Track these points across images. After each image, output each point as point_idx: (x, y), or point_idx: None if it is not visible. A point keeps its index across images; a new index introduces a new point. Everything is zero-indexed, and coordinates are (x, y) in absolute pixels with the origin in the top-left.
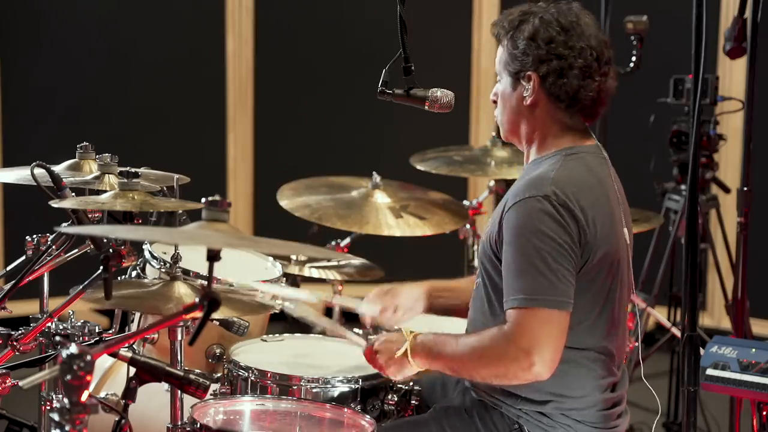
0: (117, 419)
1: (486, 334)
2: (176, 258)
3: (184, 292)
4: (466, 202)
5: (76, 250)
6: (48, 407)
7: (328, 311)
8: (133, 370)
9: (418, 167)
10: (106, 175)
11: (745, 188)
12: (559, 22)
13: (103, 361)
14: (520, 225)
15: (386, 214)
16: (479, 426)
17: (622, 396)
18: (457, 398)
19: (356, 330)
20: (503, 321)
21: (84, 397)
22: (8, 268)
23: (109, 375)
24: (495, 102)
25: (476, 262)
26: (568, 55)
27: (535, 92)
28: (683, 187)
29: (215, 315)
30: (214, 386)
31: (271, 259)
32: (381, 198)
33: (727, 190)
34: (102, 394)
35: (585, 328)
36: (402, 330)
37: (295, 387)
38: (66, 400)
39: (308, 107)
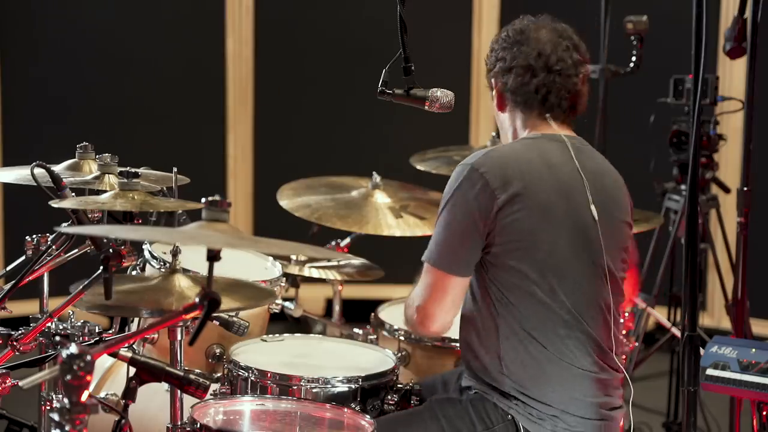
0: (117, 419)
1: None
2: (175, 251)
3: (185, 285)
4: None
5: (76, 250)
6: (48, 407)
7: (329, 310)
8: (133, 370)
9: (418, 167)
10: (106, 175)
11: (745, 188)
12: (512, 30)
13: (103, 361)
14: (446, 190)
15: (386, 214)
16: (473, 416)
17: (611, 386)
18: (454, 392)
19: (356, 330)
20: (480, 307)
21: (84, 397)
22: (8, 268)
23: (109, 375)
24: None
25: None
26: (506, 57)
27: (496, 94)
28: (683, 187)
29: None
30: (214, 386)
31: (271, 259)
32: (381, 198)
33: (727, 190)
34: (102, 394)
35: (534, 304)
36: None
37: (295, 387)
38: (66, 400)
39: (308, 107)
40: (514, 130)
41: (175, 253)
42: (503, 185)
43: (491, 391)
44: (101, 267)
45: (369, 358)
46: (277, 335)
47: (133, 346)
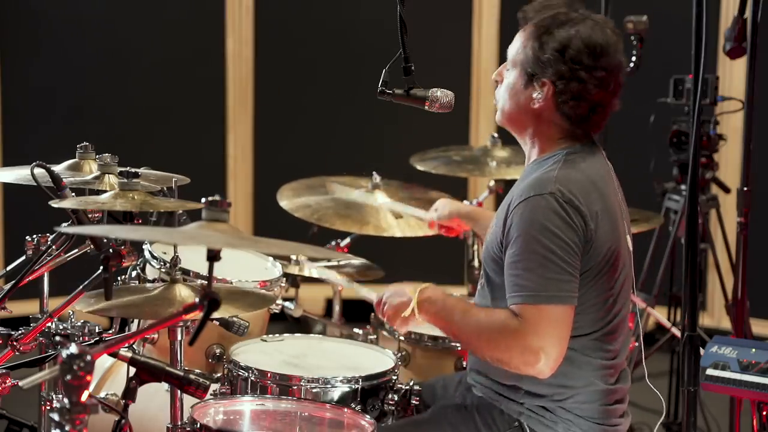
0: (117, 419)
1: (496, 317)
2: (175, 261)
3: (186, 294)
4: (466, 202)
5: (76, 250)
6: (48, 407)
7: (329, 310)
8: (133, 370)
9: (418, 167)
10: (106, 175)
11: (745, 188)
12: (592, 43)
13: (103, 361)
14: (526, 223)
15: (386, 214)
16: (479, 423)
17: (624, 394)
18: (458, 397)
19: (356, 330)
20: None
21: (84, 397)
22: (8, 268)
23: (109, 375)
24: (497, 82)
25: (476, 263)
26: (588, 81)
27: (546, 101)
28: (683, 187)
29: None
30: (214, 386)
31: (271, 259)
32: (381, 198)
33: (727, 190)
34: (102, 394)
35: (588, 319)
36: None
37: (295, 387)
38: (66, 400)
39: (308, 107)
40: (544, 133)
41: (175, 263)
42: (589, 214)
43: (499, 397)
44: (101, 267)
45: (369, 358)
46: (277, 335)
47: (133, 346)
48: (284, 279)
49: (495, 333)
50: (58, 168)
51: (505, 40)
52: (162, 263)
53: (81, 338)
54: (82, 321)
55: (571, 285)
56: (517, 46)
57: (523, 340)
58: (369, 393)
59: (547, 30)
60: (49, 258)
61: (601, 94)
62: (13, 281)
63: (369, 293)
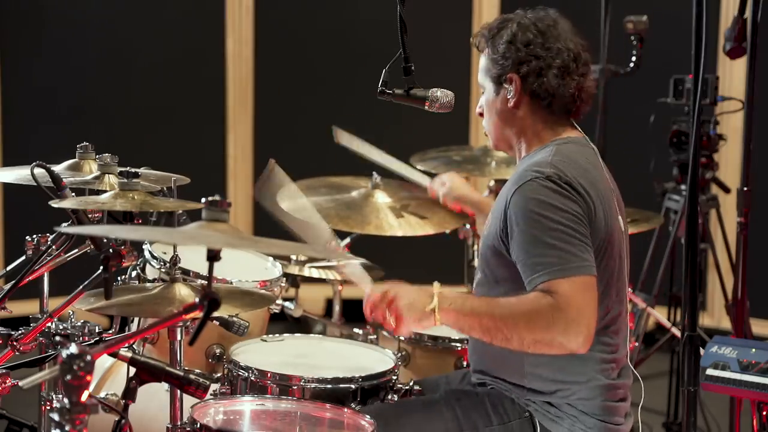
0: (117, 419)
1: (527, 298)
2: (175, 260)
3: (186, 294)
4: None
5: (76, 250)
6: (48, 407)
7: (329, 310)
8: (133, 370)
9: (418, 167)
10: (106, 175)
11: (745, 188)
12: (536, 26)
13: (103, 361)
14: (529, 204)
15: (387, 214)
16: (490, 410)
17: (626, 390)
18: (467, 387)
19: (356, 330)
20: None
21: (84, 397)
22: (8, 268)
23: (109, 375)
24: (481, 114)
25: (476, 262)
26: (545, 56)
27: (518, 93)
28: (683, 187)
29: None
30: (214, 386)
31: (271, 259)
32: (381, 198)
33: (727, 190)
34: (102, 394)
35: None
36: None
37: (295, 387)
38: (66, 400)
39: (308, 107)
40: (529, 129)
41: (175, 263)
42: (588, 195)
43: (510, 387)
44: (101, 267)
45: (369, 358)
46: (277, 335)
47: (133, 346)
48: (284, 279)
49: (532, 314)
50: (58, 168)
51: None
52: (162, 263)
53: (81, 338)
54: (82, 321)
55: (590, 254)
56: (480, 67)
57: (564, 315)
58: (369, 393)
59: (496, 33)
60: (49, 258)
61: (563, 64)
62: (13, 281)
63: (366, 280)
